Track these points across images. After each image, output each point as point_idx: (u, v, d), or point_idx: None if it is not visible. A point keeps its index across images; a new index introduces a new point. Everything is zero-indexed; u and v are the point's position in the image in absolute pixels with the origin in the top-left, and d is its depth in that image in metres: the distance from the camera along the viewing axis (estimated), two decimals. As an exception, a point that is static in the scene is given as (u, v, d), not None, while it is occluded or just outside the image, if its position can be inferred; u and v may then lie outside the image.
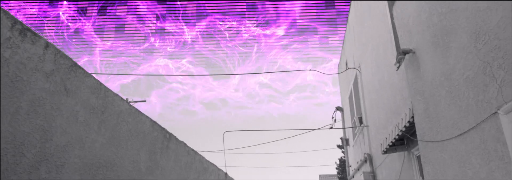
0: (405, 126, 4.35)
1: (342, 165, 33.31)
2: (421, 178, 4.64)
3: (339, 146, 33.22)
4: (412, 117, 4.10)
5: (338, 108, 12.04)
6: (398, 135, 4.62)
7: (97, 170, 3.78)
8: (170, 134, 5.69)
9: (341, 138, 12.77)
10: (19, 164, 2.86)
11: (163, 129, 5.45)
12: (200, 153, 7.27)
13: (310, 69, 19.92)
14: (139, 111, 4.77)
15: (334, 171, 34.59)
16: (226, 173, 9.11)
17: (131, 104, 4.80)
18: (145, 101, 16.37)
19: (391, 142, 4.99)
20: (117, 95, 4.27)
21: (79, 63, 3.67)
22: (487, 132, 2.48)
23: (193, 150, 6.69)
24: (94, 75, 3.92)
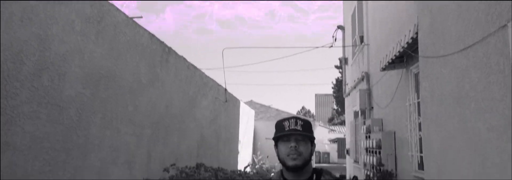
0: (407, 43, 4.29)
1: (338, 85, 34.10)
2: (416, 94, 4.76)
3: (336, 67, 33.56)
4: (416, 33, 4.02)
5: (339, 27, 11.82)
6: (399, 51, 4.59)
7: (99, 80, 3.83)
8: (169, 48, 5.65)
9: (339, 58, 12.79)
10: (20, 71, 2.87)
11: (162, 42, 5.39)
12: (203, 70, 7.33)
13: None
14: (136, 23, 4.65)
15: (330, 91, 35.69)
16: (225, 89, 9.34)
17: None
18: (141, 17, 15.89)
19: (391, 59, 4.99)
20: (112, 5, 4.10)
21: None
22: (492, 45, 2.43)
23: (192, 65, 6.73)
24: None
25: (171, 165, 5.07)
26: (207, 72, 7.96)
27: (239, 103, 11.73)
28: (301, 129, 1.67)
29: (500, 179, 2.25)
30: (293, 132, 1.66)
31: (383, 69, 5.56)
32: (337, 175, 1.96)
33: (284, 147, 1.66)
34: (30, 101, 2.94)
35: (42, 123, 3.05)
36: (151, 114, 5.01)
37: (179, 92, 6.03)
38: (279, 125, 1.72)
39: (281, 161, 1.69)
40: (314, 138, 1.73)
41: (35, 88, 3.00)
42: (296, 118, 1.72)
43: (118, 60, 4.19)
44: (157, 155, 5.20)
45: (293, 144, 1.64)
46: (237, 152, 11.48)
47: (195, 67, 6.88)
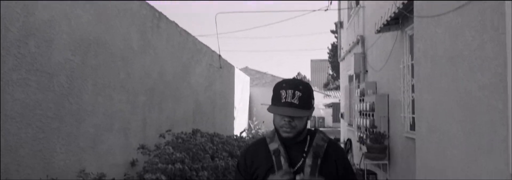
0: (403, 3, 4.20)
1: (334, 50, 33.88)
2: (410, 56, 4.73)
3: (332, 31, 33.16)
4: (411, -7, 3.93)
5: (334, -11, 11.53)
6: (394, 12, 4.50)
7: (88, 47, 3.76)
8: (160, 13, 5.52)
9: (335, 23, 12.62)
10: (5, 37, 2.79)
11: (152, 7, 5.24)
12: (197, 37, 7.20)
13: None
14: (123, -13, 4.49)
15: (325, 56, 35.55)
16: (219, 55, 9.26)
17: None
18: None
19: (386, 20, 4.91)
20: (97, -32, 3.93)
21: None
22: (487, 2, 2.38)
23: (185, 30, 6.61)
24: None
25: (167, 131, 5.12)
26: (202, 40, 7.83)
27: (234, 69, 11.69)
28: (297, 103, 1.57)
29: (490, 137, 2.28)
30: (287, 111, 1.57)
31: (378, 31, 5.49)
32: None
33: (279, 118, 1.63)
34: (18, 68, 2.89)
35: (32, 90, 3.01)
36: (144, 81, 4.97)
37: (172, 58, 5.96)
38: (276, 93, 1.62)
39: (276, 128, 1.68)
40: (312, 105, 1.67)
41: (22, 55, 2.93)
42: (294, 88, 1.59)
43: (107, 26, 4.09)
44: (152, 121, 5.24)
45: (287, 119, 1.60)
46: (232, 118, 11.60)
47: (187, 33, 6.75)
